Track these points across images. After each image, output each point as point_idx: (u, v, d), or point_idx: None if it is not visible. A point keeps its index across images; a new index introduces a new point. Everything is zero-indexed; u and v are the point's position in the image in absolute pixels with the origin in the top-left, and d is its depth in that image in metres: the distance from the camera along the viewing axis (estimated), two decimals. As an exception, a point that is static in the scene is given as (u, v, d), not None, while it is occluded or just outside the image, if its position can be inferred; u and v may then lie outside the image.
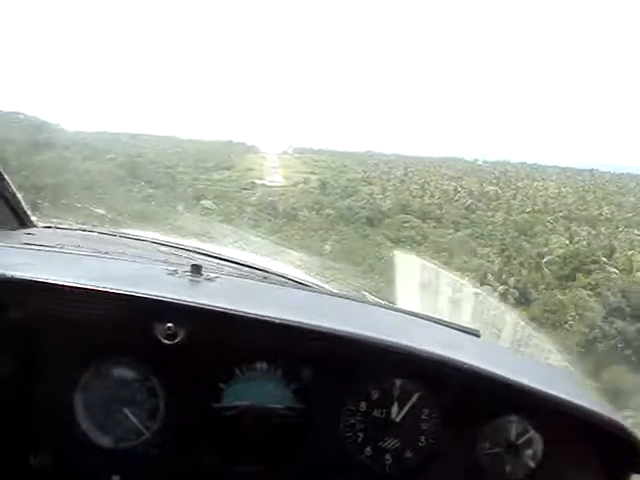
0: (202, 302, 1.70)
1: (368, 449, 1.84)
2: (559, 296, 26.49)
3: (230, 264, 2.63)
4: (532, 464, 1.86)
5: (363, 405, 1.82)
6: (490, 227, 41.17)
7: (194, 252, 2.67)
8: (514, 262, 31.41)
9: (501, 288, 29.17)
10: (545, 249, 32.56)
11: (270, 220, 40.23)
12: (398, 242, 39.19)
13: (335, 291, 2.67)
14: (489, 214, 48.68)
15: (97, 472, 1.78)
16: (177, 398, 1.79)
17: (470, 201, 51.35)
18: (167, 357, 1.71)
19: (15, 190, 2.44)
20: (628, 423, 1.81)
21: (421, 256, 38.20)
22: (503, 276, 29.68)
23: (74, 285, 1.67)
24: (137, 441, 1.81)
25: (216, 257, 2.66)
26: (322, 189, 52.30)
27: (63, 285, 1.67)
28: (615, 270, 29.37)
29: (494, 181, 59.50)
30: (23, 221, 2.62)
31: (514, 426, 1.84)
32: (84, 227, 2.78)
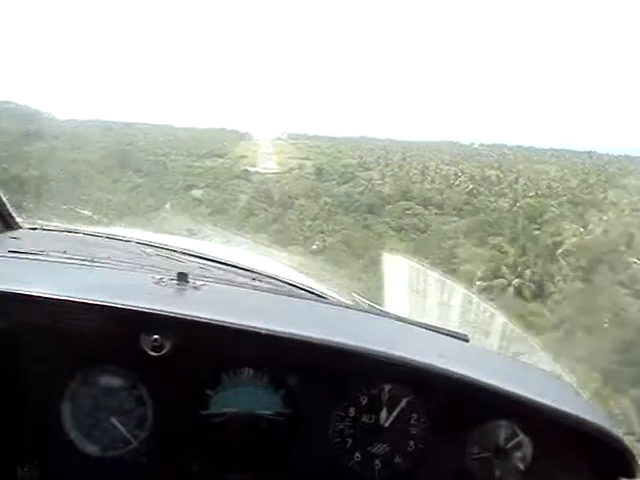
0: (188, 313, 1.61)
1: (357, 454, 1.75)
2: (587, 294, 23.76)
3: (217, 265, 2.41)
4: (521, 468, 1.77)
5: (352, 410, 1.71)
6: (496, 214, 38.30)
7: (180, 253, 2.45)
8: (529, 253, 28.64)
9: (516, 281, 26.55)
10: (559, 238, 29.80)
11: (265, 210, 37.38)
12: (400, 230, 36.43)
13: (323, 294, 2.35)
14: (492, 199, 46.11)
15: None
16: (164, 406, 1.68)
17: (471, 186, 48.71)
18: (154, 367, 1.61)
19: (0, 192, 2.28)
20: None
21: (420, 249, 35.84)
22: (518, 268, 26.99)
23: (60, 297, 1.59)
24: (125, 450, 1.71)
25: (202, 258, 2.44)
26: (318, 175, 50.26)
27: (49, 298, 1.59)
28: (636, 260, 26.65)
29: (495, 165, 56.69)
30: (8, 223, 2.43)
31: (503, 430, 1.75)
32: (69, 228, 2.57)
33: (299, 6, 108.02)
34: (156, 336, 1.60)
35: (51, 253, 2.05)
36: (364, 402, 1.77)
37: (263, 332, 1.59)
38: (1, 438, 1.67)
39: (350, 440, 1.79)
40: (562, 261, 28.24)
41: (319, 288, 2.59)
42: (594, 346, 17.36)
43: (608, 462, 1.74)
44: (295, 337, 1.62)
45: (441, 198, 44.33)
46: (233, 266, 2.51)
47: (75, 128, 60.29)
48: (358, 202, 39.43)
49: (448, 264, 29.68)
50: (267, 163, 53.20)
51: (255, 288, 2.21)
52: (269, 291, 2.25)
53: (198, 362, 1.69)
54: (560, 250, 28.61)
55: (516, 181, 52.07)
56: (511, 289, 26.29)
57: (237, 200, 39.10)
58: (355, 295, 2.69)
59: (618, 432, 1.72)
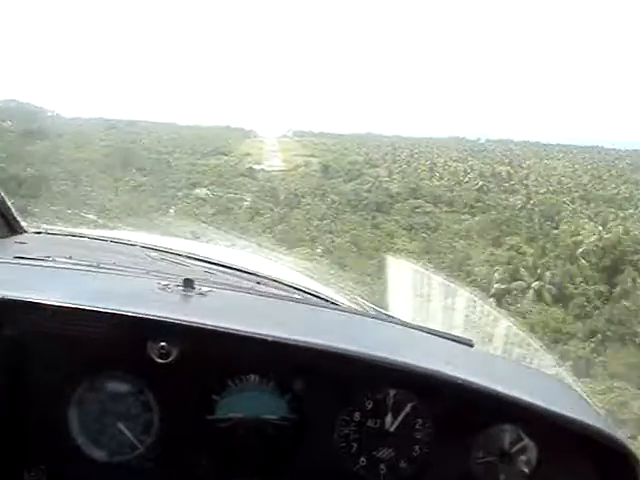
0: (195, 320, 1.60)
1: (362, 459, 1.71)
2: (613, 297, 21.79)
3: (222, 270, 2.37)
4: (526, 472, 1.73)
5: (357, 415, 1.68)
6: (509, 212, 36.23)
7: (185, 257, 2.42)
8: (548, 253, 26.57)
9: (536, 284, 24.59)
10: (579, 237, 27.71)
11: (271, 209, 35.37)
12: (410, 229, 34.45)
13: (329, 298, 2.31)
14: (502, 196, 44.15)
15: None
16: (171, 411, 1.66)
17: (481, 183, 46.78)
18: (161, 374, 1.61)
19: (5, 196, 2.25)
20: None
21: (431, 249, 33.86)
22: (538, 270, 25.00)
23: (68, 305, 1.58)
24: (132, 455, 1.68)
25: (207, 262, 2.40)
26: (324, 172, 48.58)
27: (56, 305, 1.59)
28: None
29: (505, 161, 54.72)
30: (13, 227, 2.39)
31: (507, 435, 1.71)
32: (74, 232, 2.53)
33: (304, 4, 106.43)
34: (163, 343, 1.57)
35: (57, 259, 1.99)
36: (369, 407, 1.70)
37: (269, 339, 1.58)
38: (8, 442, 1.65)
39: (355, 445, 1.72)
40: (583, 261, 26.21)
41: (325, 292, 2.42)
42: (634, 359, 15.38)
43: (612, 466, 1.70)
44: (300, 344, 1.61)
45: (451, 195, 42.34)
46: (238, 270, 2.41)
47: (79, 126, 59.47)
48: (366, 200, 37.39)
49: (463, 265, 27.76)
50: (272, 161, 52.05)
51: (260, 294, 2.12)
52: (274, 296, 2.16)
53: (204, 368, 1.65)
54: (580, 250, 26.58)
55: (527, 177, 50.17)
56: (531, 292, 24.36)
57: (242, 199, 37.09)
58: (360, 299, 2.52)
59: (622, 436, 1.68)
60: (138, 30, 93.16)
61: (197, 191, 36.61)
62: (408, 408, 1.67)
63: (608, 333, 18.70)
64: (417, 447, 1.70)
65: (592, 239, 27.90)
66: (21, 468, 1.65)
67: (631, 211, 35.62)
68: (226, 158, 52.39)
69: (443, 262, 27.92)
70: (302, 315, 1.99)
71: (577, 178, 50.23)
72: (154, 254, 2.42)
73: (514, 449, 1.71)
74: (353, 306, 2.40)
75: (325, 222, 32.90)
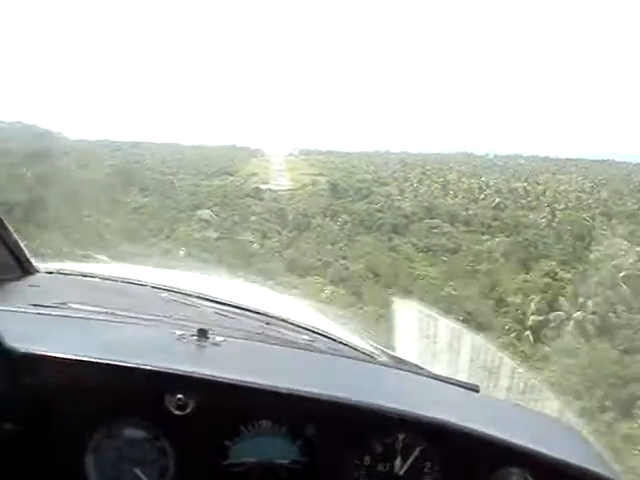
0: (211, 373, 1.62)
1: None
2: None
3: (232, 310, 2.36)
4: None
5: (367, 459, 1.68)
6: (532, 231, 33.07)
7: (195, 298, 2.40)
8: (587, 279, 23.37)
9: (578, 315, 21.47)
10: (619, 260, 24.50)
11: (279, 232, 32.41)
12: (428, 251, 31.38)
13: (340, 339, 2.33)
14: (520, 213, 41.13)
15: None
16: (186, 457, 1.67)
17: (497, 200, 43.74)
18: (177, 424, 1.62)
19: (17, 237, 2.25)
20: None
21: (454, 274, 30.73)
22: (579, 299, 21.88)
23: (87, 360, 1.59)
24: None
25: (217, 302, 2.39)
26: (332, 191, 46.37)
27: (75, 359, 1.59)
28: None
29: (522, 177, 51.70)
30: (26, 269, 2.35)
31: (514, 477, 1.71)
32: (85, 272, 2.49)
33: (309, 23, 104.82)
34: (180, 396, 1.58)
35: (72, 305, 1.99)
36: (379, 450, 1.69)
37: (282, 391, 1.60)
38: None
39: None
40: (624, 287, 23.06)
41: (334, 332, 2.37)
42: None
43: None
44: (312, 395, 1.62)
45: (467, 214, 39.33)
46: (247, 310, 2.38)
47: (85, 147, 57.87)
48: (380, 221, 34.35)
49: (492, 292, 24.74)
50: (279, 180, 49.78)
51: (271, 341, 2.08)
52: (284, 343, 2.12)
53: (219, 417, 1.65)
54: (622, 274, 23.45)
55: (544, 193, 47.21)
56: (572, 324, 21.27)
57: (248, 221, 34.05)
58: (370, 340, 2.46)
59: (621, 478, 1.68)
60: (144, 51, 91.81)
61: (200, 212, 33.61)
62: (417, 452, 1.65)
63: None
64: None
65: (630, 261, 24.78)
66: None
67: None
68: (231, 178, 50.12)
69: (469, 289, 24.86)
70: (312, 364, 1.97)
71: (596, 193, 47.08)
72: (165, 295, 2.40)
73: None
74: (362, 346, 2.34)
75: (337, 246, 29.81)
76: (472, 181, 50.90)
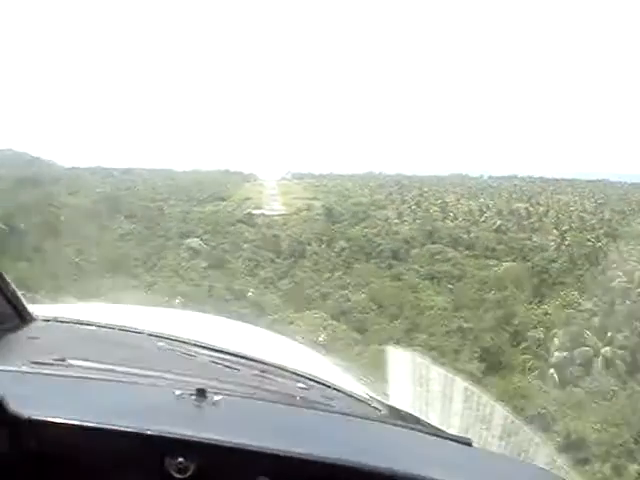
0: (211, 437, 1.61)
1: None
2: None
3: (227, 358, 2.32)
4: None
5: None
6: (541, 255, 30.62)
7: (191, 345, 2.36)
8: (613, 311, 20.77)
9: (607, 350, 18.99)
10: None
11: (273, 260, 29.81)
12: (432, 279, 28.82)
13: (333, 385, 2.33)
14: (523, 235, 38.80)
15: None
16: None
17: (499, 222, 41.44)
18: None
19: (14, 286, 2.21)
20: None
21: (461, 303, 28.14)
22: (608, 333, 19.37)
23: (89, 425, 1.57)
24: None
25: (213, 350, 2.36)
26: (328, 216, 44.05)
27: (78, 425, 1.58)
28: None
29: (524, 198, 49.55)
30: (24, 317, 2.31)
31: None
32: (82, 320, 2.44)
33: (299, 47, 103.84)
34: (181, 459, 1.57)
35: (71, 362, 1.97)
36: None
37: (280, 453, 1.62)
38: None
39: None
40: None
41: (330, 378, 2.36)
42: None
43: None
44: (308, 457, 1.63)
45: (469, 237, 36.92)
46: (243, 357, 2.33)
47: (76, 175, 56.00)
48: (380, 247, 31.83)
49: (507, 325, 22.17)
50: (273, 205, 48.16)
51: (268, 397, 2.05)
52: (280, 399, 2.08)
53: (218, 477, 1.67)
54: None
55: (546, 214, 45.05)
56: (600, 360, 18.75)
57: (240, 249, 31.40)
58: (365, 388, 2.47)
59: None
60: (140, 79, 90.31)
61: (189, 241, 30.92)
62: None
63: None
64: None
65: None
66: None
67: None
68: (224, 204, 48.28)
69: (482, 321, 22.25)
70: (307, 423, 1.97)
71: (599, 214, 44.87)
72: (162, 344, 2.37)
73: None
74: (358, 394, 2.32)
75: (336, 274, 27.16)
76: (470, 203, 48.72)
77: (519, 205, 44.53)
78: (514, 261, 31.60)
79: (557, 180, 71.17)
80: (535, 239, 36.99)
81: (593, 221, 43.52)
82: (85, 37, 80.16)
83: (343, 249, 32.11)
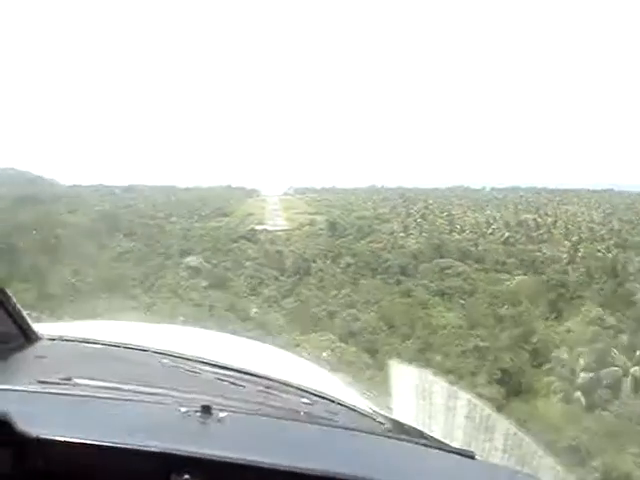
0: (217, 453, 1.61)
1: None
2: None
3: (232, 374, 2.30)
4: None
5: None
6: (555, 267, 29.14)
7: (195, 362, 2.34)
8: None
9: (636, 370, 17.51)
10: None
11: (277, 278, 28.33)
12: (443, 295, 27.35)
13: (337, 400, 2.31)
14: (533, 247, 37.38)
15: None
16: None
17: (507, 234, 40.05)
18: None
19: (19, 306, 2.19)
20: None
21: (475, 321, 26.60)
22: (637, 352, 17.88)
23: (96, 443, 1.58)
24: None
25: (217, 366, 2.34)
26: (332, 230, 42.75)
27: (85, 443, 1.58)
28: None
29: (529, 209, 48.24)
30: (29, 336, 2.31)
31: None
32: (87, 339, 2.40)
33: (300, 62, 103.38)
34: (187, 476, 1.58)
35: (77, 381, 1.97)
36: None
37: (286, 470, 1.61)
38: None
39: None
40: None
41: (335, 394, 2.33)
42: None
43: None
44: (313, 472, 1.61)
45: (477, 250, 35.50)
46: (247, 374, 2.29)
47: (77, 193, 55.34)
48: (387, 262, 30.36)
49: (526, 344, 20.66)
50: (276, 220, 46.96)
51: (272, 412, 2.02)
52: (285, 414, 2.06)
53: None
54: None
55: (554, 225, 43.69)
56: (629, 381, 17.26)
57: (242, 267, 29.93)
58: (369, 402, 2.45)
59: None
60: (141, 97, 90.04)
61: (189, 259, 29.45)
62: None
63: None
64: None
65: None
66: None
67: None
68: (227, 220, 47.16)
69: (499, 340, 20.73)
70: (312, 438, 1.94)
71: (608, 224, 43.51)
72: (166, 361, 2.35)
73: None
74: (362, 409, 2.30)
75: (343, 292, 25.64)
76: (476, 215, 47.40)
77: (527, 216, 43.15)
78: (525, 274, 30.13)
79: (561, 190, 70.15)
80: (545, 251, 35.60)
81: (603, 232, 42.13)
82: (88, 56, 79.78)
83: (349, 265, 30.69)
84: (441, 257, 32.63)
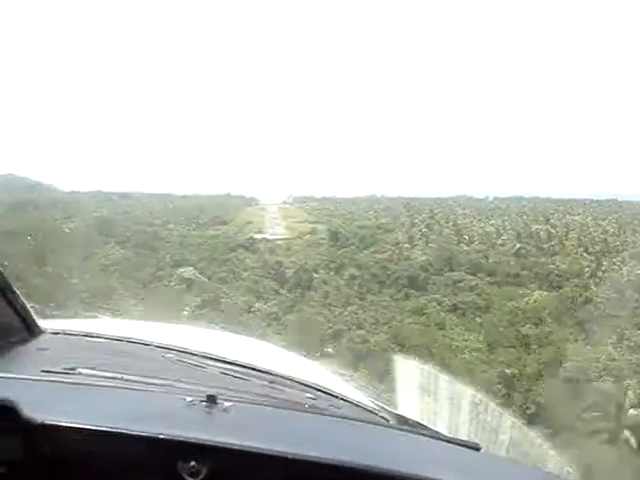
0: (222, 440, 1.63)
1: None
2: None
3: (236, 369, 2.32)
4: None
5: None
6: (574, 282, 26.73)
7: (199, 357, 2.36)
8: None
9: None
10: None
11: (277, 292, 25.80)
12: (456, 310, 24.96)
13: (339, 395, 2.31)
14: (547, 260, 35.06)
15: None
16: None
17: (518, 245, 37.72)
18: None
19: (23, 300, 2.22)
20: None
21: (496, 342, 24.27)
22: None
23: (102, 429, 1.59)
24: None
25: (222, 361, 2.36)
26: (333, 240, 40.47)
27: (91, 429, 1.60)
28: None
29: (539, 219, 45.99)
30: (32, 330, 2.35)
31: None
32: (91, 332, 2.44)
33: (300, 70, 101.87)
34: (193, 463, 1.58)
35: (81, 371, 1.98)
36: None
37: (290, 457, 1.62)
38: None
39: None
40: None
41: (337, 389, 2.32)
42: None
43: None
44: (318, 460, 1.63)
45: (488, 262, 33.10)
46: (252, 369, 2.32)
47: (75, 199, 53.67)
48: (395, 274, 27.90)
49: (557, 371, 18.15)
50: (275, 229, 44.81)
51: (276, 403, 2.05)
52: (289, 405, 2.09)
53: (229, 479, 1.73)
54: None
55: (566, 236, 41.48)
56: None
57: (240, 278, 27.42)
58: (371, 398, 2.45)
59: None
60: (141, 104, 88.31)
61: (182, 270, 26.86)
62: None
63: None
64: None
65: None
66: None
67: None
68: (225, 228, 44.83)
69: (526, 366, 18.25)
70: (316, 427, 1.97)
71: (622, 235, 41.28)
72: (170, 355, 2.38)
73: None
74: (365, 404, 2.32)
75: (349, 309, 23.14)
76: (483, 225, 45.21)
77: (537, 227, 40.86)
78: (540, 288, 27.72)
79: (565, 200, 68.37)
80: (559, 264, 33.23)
81: (617, 243, 39.94)
82: (87, 62, 77.95)
83: (354, 277, 28.24)
84: (451, 269, 30.28)
